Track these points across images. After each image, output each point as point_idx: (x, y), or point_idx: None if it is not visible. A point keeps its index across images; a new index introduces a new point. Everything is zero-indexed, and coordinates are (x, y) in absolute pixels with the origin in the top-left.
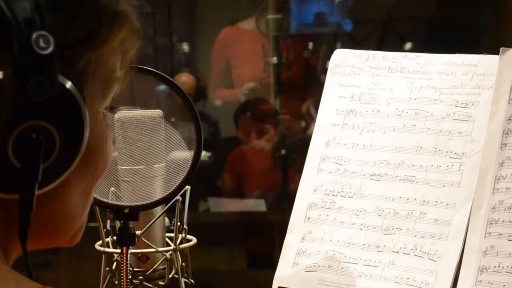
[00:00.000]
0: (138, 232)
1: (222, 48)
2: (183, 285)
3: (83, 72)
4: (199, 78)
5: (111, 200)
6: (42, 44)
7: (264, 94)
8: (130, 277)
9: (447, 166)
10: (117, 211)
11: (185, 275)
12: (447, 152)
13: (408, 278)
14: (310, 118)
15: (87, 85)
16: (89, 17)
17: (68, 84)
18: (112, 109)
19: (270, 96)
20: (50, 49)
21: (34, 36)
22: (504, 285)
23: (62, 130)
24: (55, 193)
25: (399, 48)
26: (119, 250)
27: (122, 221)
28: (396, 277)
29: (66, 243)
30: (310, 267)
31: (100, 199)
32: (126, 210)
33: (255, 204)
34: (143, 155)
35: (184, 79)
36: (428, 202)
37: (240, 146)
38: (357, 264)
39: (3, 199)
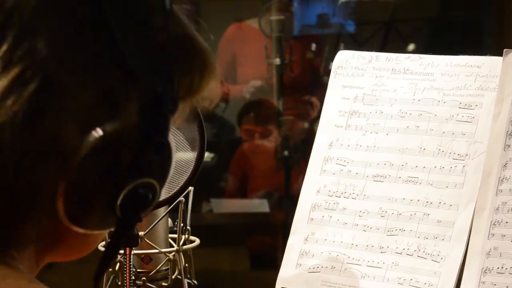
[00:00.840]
0: (141, 233)
1: (228, 43)
2: (186, 286)
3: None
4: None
5: None
6: (170, 107)
7: (267, 95)
8: (133, 278)
9: (451, 167)
10: None
11: (188, 276)
12: (450, 153)
13: (411, 279)
14: (311, 107)
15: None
16: (185, 69)
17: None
18: None
19: (273, 97)
20: (176, 113)
21: (167, 99)
22: (507, 287)
23: (161, 184)
24: None
25: (402, 50)
26: (122, 251)
27: None
28: (399, 278)
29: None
30: (313, 268)
31: None
32: None
33: (258, 205)
34: None
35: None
36: (431, 203)
37: (244, 147)
38: (360, 265)
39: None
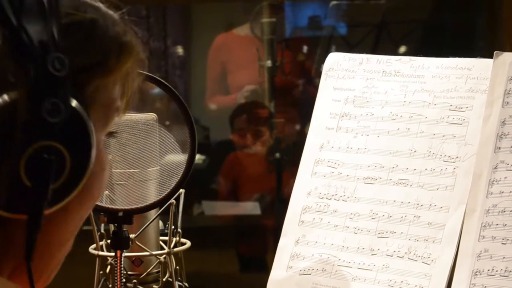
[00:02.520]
0: (132, 236)
1: (217, 53)
2: None
3: (90, 98)
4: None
5: (105, 203)
6: (57, 65)
7: (258, 98)
8: (124, 280)
9: (441, 169)
10: (111, 215)
11: (179, 278)
12: (441, 155)
13: (402, 282)
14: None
15: (92, 112)
16: (99, 45)
17: (79, 107)
18: (111, 134)
19: (265, 99)
20: (64, 71)
21: (50, 57)
22: None
23: (72, 151)
24: (56, 217)
25: (394, 52)
26: (113, 254)
27: (116, 224)
28: (390, 280)
29: (44, 279)
30: (304, 270)
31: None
32: (120, 214)
33: (250, 208)
34: (137, 159)
35: None
36: (422, 205)
37: (235, 151)
38: (351, 267)
39: (4, 218)
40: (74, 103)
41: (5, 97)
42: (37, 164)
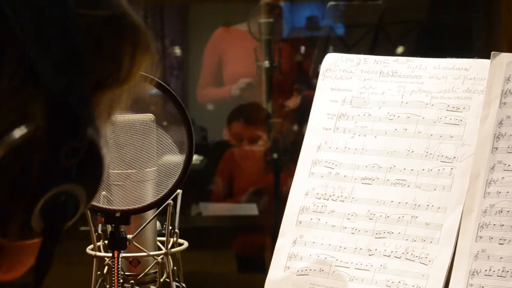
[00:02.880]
0: (129, 236)
1: (215, 45)
2: None
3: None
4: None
5: (102, 204)
6: (79, 105)
7: (256, 94)
8: (121, 281)
9: (438, 170)
10: (109, 215)
11: (177, 279)
12: (438, 156)
13: (399, 282)
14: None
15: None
16: (109, 55)
17: (95, 138)
18: None
19: (262, 99)
20: (77, 159)
21: (64, 150)
22: None
23: (88, 185)
24: None
25: (391, 52)
26: (110, 254)
27: (113, 225)
28: (388, 280)
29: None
30: (302, 270)
31: (91, 203)
32: (118, 214)
33: (247, 208)
34: (134, 159)
35: None
36: (419, 206)
37: (232, 150)
38: (348, 267)
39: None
40: (90, 133)
41: (22, 136)
42: (52, 207)
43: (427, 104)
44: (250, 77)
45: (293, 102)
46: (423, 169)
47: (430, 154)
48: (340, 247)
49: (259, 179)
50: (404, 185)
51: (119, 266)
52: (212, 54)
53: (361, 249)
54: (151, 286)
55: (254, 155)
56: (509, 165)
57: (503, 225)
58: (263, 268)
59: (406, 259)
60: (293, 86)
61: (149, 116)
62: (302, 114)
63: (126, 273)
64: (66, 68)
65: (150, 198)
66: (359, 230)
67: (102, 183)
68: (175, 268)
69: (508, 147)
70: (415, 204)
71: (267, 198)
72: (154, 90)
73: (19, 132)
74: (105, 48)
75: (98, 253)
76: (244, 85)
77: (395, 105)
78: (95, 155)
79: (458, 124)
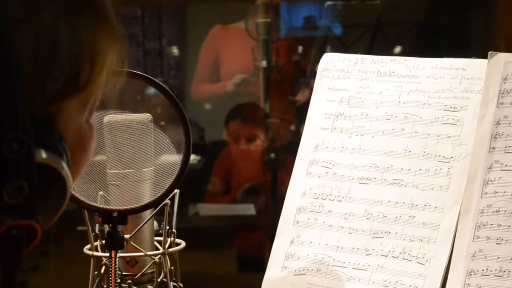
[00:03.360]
0: (126, 236)
1: (212, 42)
2: None
3: (57, 111)
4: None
5: (99, 203)
6: (15, 147)
7: (253, 97)
8: (118, 281)
9: (436, 169)
10: (106, 215)
11: (174, 279)
12: (435, 155)
13: (396, 282)
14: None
15: (63, 111)
16: (66, 68)
17: (46, 158)
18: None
19: (260, 99)
20: (23, 152)
21: (6, 140)
22: None
23: (44, 213)
24: None
25: (389, 52)
26: (107, 254)
27: (110, 225)
28: (385, 280)
29: None
30: (299, 270)
31: (89, 202)
32: (115, 214)
33: (244, 208)
34: (132, 159)
35: None
36: (416, 205)
37: (229, 148)
38: (346, 267)
39: None
40: (41, 158)
41: None
42: (5, 242)
43: (424, 104)
44: (247, 73)
45: (302, 95)
46: (421, 169)
47: (428, 154)
48: (338, 247)
49: (257, 179)
50: (402, 185)
51: (117, 266)
52: (209, 51)
53: (358, 249)
54: (149, 286)
55: (251, 155)
56: (506, 165)
57: (500, 224)
58: (261, 268)
59: (404, 259)
60: (292, 85)
61: (147, 116)
62: (299, 114)
63: (124, 273)
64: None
65: (147, 198)
66: (356, 230)
67: (64, 201)
68: (172, 268)
69: (506, 147)
70: (412, 204)
71: (264, 198)
72: (152, 90)
73: None
74: (55, 63)
75: (95, 253)
76: (239, 81)
77: (392, 105)
78: (48, 177)
79: (455, 124)
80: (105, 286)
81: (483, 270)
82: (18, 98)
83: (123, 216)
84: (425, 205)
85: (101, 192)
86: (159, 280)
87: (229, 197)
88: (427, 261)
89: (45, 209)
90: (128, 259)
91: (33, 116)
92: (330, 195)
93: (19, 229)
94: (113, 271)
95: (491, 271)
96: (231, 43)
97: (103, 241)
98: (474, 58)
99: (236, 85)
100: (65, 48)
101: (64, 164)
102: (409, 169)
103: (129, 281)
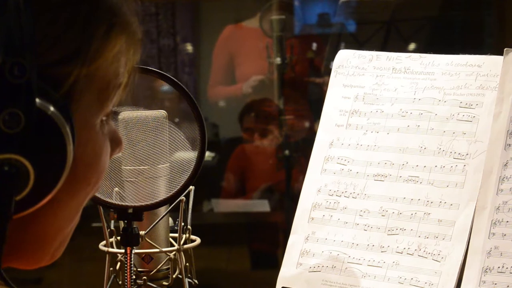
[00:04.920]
0: (142, 232)
1: (225, 44)
2: (187, 285)
3: (71, 90)
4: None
5: (115, 200)
6: (16, 72)
7: (268, 92)
8: (134, 277)
9: (451, 166)
10: (121, 211)
11: (189, 275)
12: (451, 152)
13: (412, 279)
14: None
15: (78, 102)
16: (79, 31)
17: (50, 110)
18: (115, 113)
19: (274, 96)
20: (24, 78)
21: (7, 64)
22: (508, 286)
23: (36, 162)
24: (42, 211)
25: (403, 49)
26: (123, 250)
27: (126, 221)
28: (400, 277)
29: (47, 261)
30: (314, 267)
31: (104, 199)
32: (130, 210)
33: (259, 204)
34: (147, 156)
35: None
36: (432, 202)
37: (243, 146)
38: (361, 264)
39: None
40: (43, 105)
41: None
42: None
43: (439, 100)
44: (262, 74)
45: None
46: (436, 166)
47: (443, 150)
48: (353, 243)
49: (271, 176)
50: (417, 181)
51: (132, 262)
52: (222, 53)
53: (373, 245)
54: (164, 282)
55: (265, 151)
56: None
57: None
58: (275, 265)
59: (419, 256)
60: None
61: (162, 113)
62: (314, 111)
63: (139, 269)
64: (9, 34)
65: (162, 194)
66: (371, 227)
67: (62, 159)
68: (187, 264)
69: None
70: (428, 201)
71: (278, 195)
72: (167, 87)
73: None
74: (72, 26)
75: (110, 249)
76: (256, 83)
77: (407, 101)
78: (48, 130)
79: (471, 121)
80: (120, 282)
81: (498, 267)
82: (24, 26)
83: (139, 213)
84: (440, 202)
85: (117, 188)
86: (174, 276)
87: (244, 197)
88: (442, 258)
89: (41, 168)
90: (144, 255)
91: (40, 65)
92: (345, 192)
93: (11, 166)
94: (128, 267)
95: (506, 268)
96: (244, 43)
97: (119, 238)
98: (490, 54)
99: (253, 87)
100: (77, 17)
101: (68, 129)
102: (425, 166)
103: (144, 277)
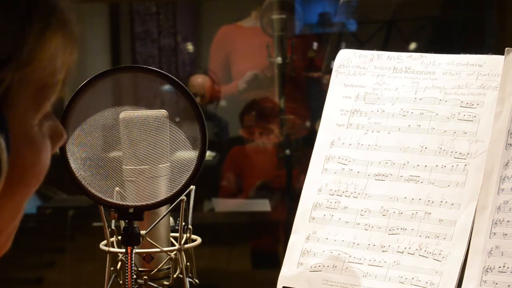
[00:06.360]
0: (142, 232)
1: (221, 44)
2: (187, 285)
3: (4, 96)
4: (214, 80)
5: (115, 200)
6: None
7: (260, 84)
8: (134, 276)
9: (452, 166)
10: (122, 211)
11: (190, 275)
12: (452, 152)
13: (413, 278)
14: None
15: (13, 107)
16: (13, 35)
17: None
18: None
19: (275, 95)
20: None
21: None
22: (509, 285)
23: None
24: None
25: (404, 49)
26: (123, 250)
27: (126, 221)
28: (401, 277)
29: None
30: (315, 267)
31: (105, 198)
32: (131, 210)
33: (260, 204)
34: (147, 155)
35: (200, 81)
36: (433, 202)
37: (241, 147)
38: (361, 264)
39: None
40: None
41: None
42: None
43: (440, 100)
44: (258, 70)
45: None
46: (437, 166)
47: (444, 150)
48: (354, 243)
49: (269, 174)
50: (418, 181)
51: (133, 261)
52: (218, 53)
53: (374, 245)
54: (164, 282)
55: (265, 151)
56: None
57: None
58: (276, 264)
59: (420, 255)
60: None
61: (162, 112)
62: (315, 110)
63: (140, 269)
64: None
65: (163, 194)
66: (372, 227)
67: None
68: (188, 264)
69: None
70: (429, 201)
71: (279, 194)
72: (167, 86)
73: None
74: (4, 29)
75: (111, 249)
76: (250, 78)
77: (408, 101)
78: None
79: (472, 120)
80: (121, 282)
81: (499, 267)
82: None
83: (139, 212)
84: (441, 201)
85: (117, 188)
86: (175, 276)
87: (242, 195)
88: (443, 257)
89: None
90: (144, 255)
91: None
92: (346, 191)
93: None
94: (129, 267)
95: (507, 267)
96: (239, 42)
97: (119, 237)
98: (491, 54)
99: (248, 83)
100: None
101: (2, 140)
102: (426, 166)
103: (145, 277)
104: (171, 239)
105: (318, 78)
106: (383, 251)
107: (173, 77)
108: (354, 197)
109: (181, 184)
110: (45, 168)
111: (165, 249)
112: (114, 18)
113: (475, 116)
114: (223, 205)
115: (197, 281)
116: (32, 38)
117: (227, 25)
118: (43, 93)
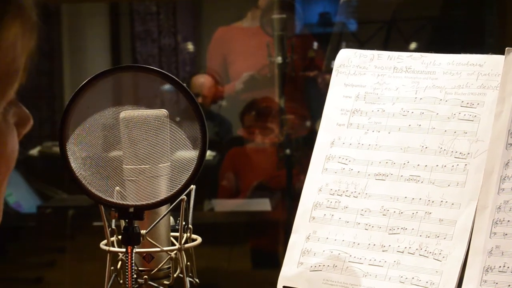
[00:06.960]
0: (143, 232)
1: (218, 45)
2: (188, 284)
3: None
4: (217, 80)
5: (116, 199)
6: None
7: (257, 84)
8: (135, 276)
9: (452, 166)
10: (122, 210)
11: (190, 274)
12: (452, 152)
13: (413, 278)
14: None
15: None
16: None
17: None
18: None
19: (275, 95)
20: None
21: None
22: (509, 285)
23: None
24: None
25: (404, 48)
26: (124, 250)
27: (127, 220)
28: (401, 277)
29: None
30: (315, 266)
31: (105, 198)
32: (131, 210)
33: (260, 204)
34: (148, 155)
35: (202, 81)
36: (433, 202)
37: (242, 145)
38: (362, 263)
39: None
40: None
41: None
42: None
43: (441, 100)
44: (254, 71)
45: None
46: (437, 165)
47: (444, 150)
48: (354, 243)
49: (272, 175)
50: (418, 181)
51: (133, 261)
52: (216, 55)
53: (374, 245)
54: (165, 282)
55: (265, 150)
56: None
57: None
58: (276, 264)
59: (420, 255)
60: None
61: (163, 112)
62: (315, 110)
63: (140, 269)
64: None
65: (163, 193)
66: (372, 226)
67: None
68: (188, 263)
69: None
70: (429, 200)
71: (279, 194)
72: (168, 86)
73: None
74: None
75: (111, 248)
76: (246, 78)
77: (409, 101)
78: None
79: (472, 120)
80: (121, 281)
81: (500, 266)
82: None
83: (140, 212)
84: (441, 201)
85: (118, 187)
86: (175, 275)
87: (241, 195)
88: (443, 257)
89: None
90: (145, 254)
91: None
92: (346, 191)
93: None
94: (129, 266)
95: (508, 267)
96: (236, 43)
97: (119, 237)
98: (491, 54)
99: (244, 83)
100: None
101: None
102: (426, 165)
103: (145, 276)
104: (171, 238)
105: (314, 77)
106: (383, 251)
107: (173, 77)
108: (354, 196)
109: (182, 184)
110: (14, 156)
111: (165, 248)
112: (114, 18)
113: (475, 116)
114: (223, 205)
115: (197, 280)
116: None
117: (223, 26)
118: (6, 81)
